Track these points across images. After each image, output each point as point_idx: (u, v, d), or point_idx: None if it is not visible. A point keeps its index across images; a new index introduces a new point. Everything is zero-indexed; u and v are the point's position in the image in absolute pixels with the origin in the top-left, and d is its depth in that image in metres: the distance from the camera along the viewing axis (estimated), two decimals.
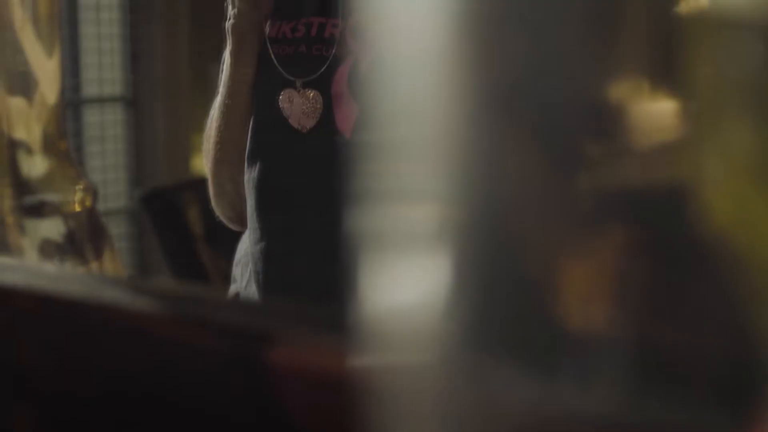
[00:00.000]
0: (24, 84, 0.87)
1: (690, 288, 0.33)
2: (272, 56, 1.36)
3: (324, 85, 1.31)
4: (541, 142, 0.33)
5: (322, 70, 1.32)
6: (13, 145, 0.87)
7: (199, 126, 4.56)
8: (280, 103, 1.37)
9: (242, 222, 1.49)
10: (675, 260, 0.33)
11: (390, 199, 0.35)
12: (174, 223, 3.26)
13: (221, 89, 1.41)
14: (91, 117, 4.30)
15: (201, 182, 4.06)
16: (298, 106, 1.37)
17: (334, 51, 1.32)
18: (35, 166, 0.87)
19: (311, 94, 1.34)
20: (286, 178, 1.39)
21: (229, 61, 1.36)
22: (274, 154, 1.39)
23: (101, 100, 4.33)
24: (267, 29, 1.37)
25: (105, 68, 4.30)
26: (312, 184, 1.37)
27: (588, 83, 0.33)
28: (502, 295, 0.34)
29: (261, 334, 0.55)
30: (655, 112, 0.33)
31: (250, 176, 1.43)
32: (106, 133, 4.28)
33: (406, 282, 0.36)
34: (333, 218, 1.36)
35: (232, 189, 1.45)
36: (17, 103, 0.87)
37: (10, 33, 0.86)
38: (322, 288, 1.33)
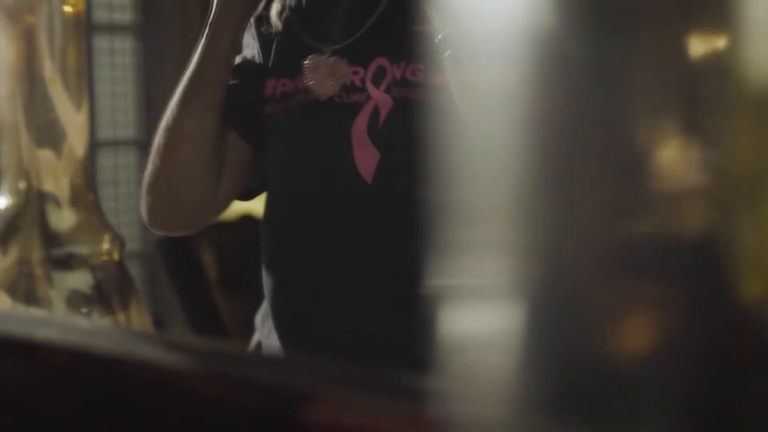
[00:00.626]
0: (52, 136, 0.88)
1: (732, 341, 0.33)
2: (294, 109, 1.37)
3: (345, 130, 1.32)
4: (594, 194, 0.34)
5: (344, 116, 1.33)
6: (42, 198, 0.88)
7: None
8: (302, 148, 1.38)
9: (179, 221, 1.45)
10: (712, 316, 0.33)
11: (460, 252, 0.36)
12: (188, 267, 3.26)
13: (192, 62, 1.39)
14: (105, 160, 4.31)
15: (215, 227, 4.06)
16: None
17: (355, 98, 1.33)
18: (63, 218, 0.88)
19: (334, 138, 1.35)
20: (307, 224, 1.39)
21: (208, 32, 1.34)
22: (295, 198, 1.39)
23: (115, 144, 4.35)
24: (277, 88, 1.38)
25: (118, 112, 4.32)
26: (334, 231, 1.36)
27: (637, 137, 0.34)
28: (563, 345, 0.34)
29: (297, 392, 0.55)
30: (694, 167, 0.34)
31: (268, 220, 1.43)
32: (119, 176, 4.29)
33: (474, 332, 0.36)
34: (356, 267, 1.36)
35: (187, 173, 1.39)
36: (46, 155, 0.88)
37: (40, 86, 0.87)
38: (347, 341, 1.32)
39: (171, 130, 1.37)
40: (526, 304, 0.35)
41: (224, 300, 3.19)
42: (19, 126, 0.87)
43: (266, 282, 1.41)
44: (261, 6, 1.42)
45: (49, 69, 0.87)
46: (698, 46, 0.33)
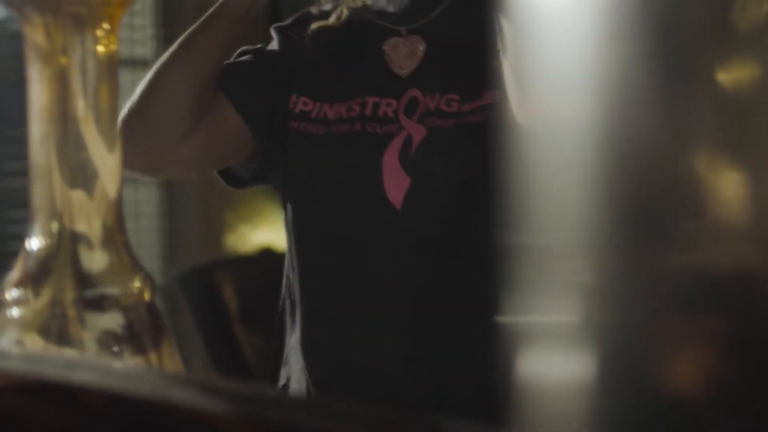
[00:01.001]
0: (85, 177, 0.88)
1: None
2: (324, 135, 1.38)
3: (377, 159, 1.33)
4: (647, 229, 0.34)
5: (375, 145, 1.34)
6: (75, 239, 0.88)
7: (233, 203, 4.61)
8: (331, 173, 1.39)
9: (143, 158, 1.45)
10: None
11: (536, 292, 0.36)
12: (210, 302, 3.27)
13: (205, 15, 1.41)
14: (126, 195, 4.33)
15: (236, 261, 4.10)
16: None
17: (387, 129, 1.34)
18: (95, 259, 0.88)
19: (364, 165, 1.36)
20: (336, 253, 1.39)
21: None
22: (323, 225, 1.40)
23: (135, 179, 4.37)
24: (314, 110, 1.39)
25: None
26: (364, 258, 1.36)
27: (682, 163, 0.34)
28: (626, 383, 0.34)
29: None
30: (744, 194, 0.34)
31: (292, 249, 1.43)
32: (140, 211, 4.30)
33: (549, 374, 0.36)
34: (386, 297, 1.36)
35: (161, 107, 1.39)
36: (78, 196, 0.88)
37: (73, 127, 0.88)
38: (383, 379, 1.32)
39: (161, 66, 1.39)
40: (592, 345, 0.35)
41: (245, 334, 3.19)
42: (52, 167, 0.88)
43: (295, 313, 1.41)
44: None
45: (82, 110, 0.87)
46: (752, 84, 0.33)
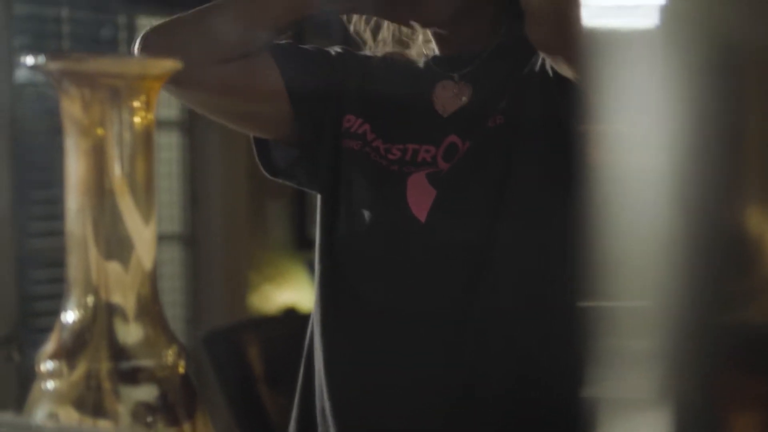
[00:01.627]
0: (120, 249, 0.88)
1: None
2: (360, 152, 1.39)
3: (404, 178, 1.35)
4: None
5: (401, 183, 1.35)
6: (110, 311, 0.88)
7: (257, 263, 4.60)
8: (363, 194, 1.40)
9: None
10: None
11: (614, 363, 0.35)
12: (234, 363, 3.26)
13: None
14: None
15: (260, 321, 4.08)
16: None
17: (425, 169, 1.36)
18: (130, 332, 0.88)
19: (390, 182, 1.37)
20: (366, 273, 1.38)
21: None
22: (351, 243, 1.39)
23: (160, 238, 4.37)
24: (371, 137, 1.40)
25: (164, 206, 4.35)
26: (393, 276, 1.36)
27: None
28: None
29: None
30: None
31: (320, 276, 1.42)
32: (163, 271, 4.30)
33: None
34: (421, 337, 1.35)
35: (211, 30, 1.40)
36: (114, 268, 0.88)
37: (109, 200, 0.88)
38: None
39: (224, 8, 1.42)
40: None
41: (269, 396, 3.17)
42: (88, 239, 0.88)
43: (316, 361, 1.40)
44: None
45: (118, 182, 0.87)
46: None
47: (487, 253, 1.33)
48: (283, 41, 1.47)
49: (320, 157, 1.46)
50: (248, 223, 4.50)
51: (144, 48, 1.39)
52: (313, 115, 1.46)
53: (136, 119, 0.88)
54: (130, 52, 4.41)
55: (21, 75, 3.90)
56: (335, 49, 1.52)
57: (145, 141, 0.88)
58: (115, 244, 0.86)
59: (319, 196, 1.47)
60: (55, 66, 0.85)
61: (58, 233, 3.79)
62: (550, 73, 1.28)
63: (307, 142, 1.47)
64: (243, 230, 4.49)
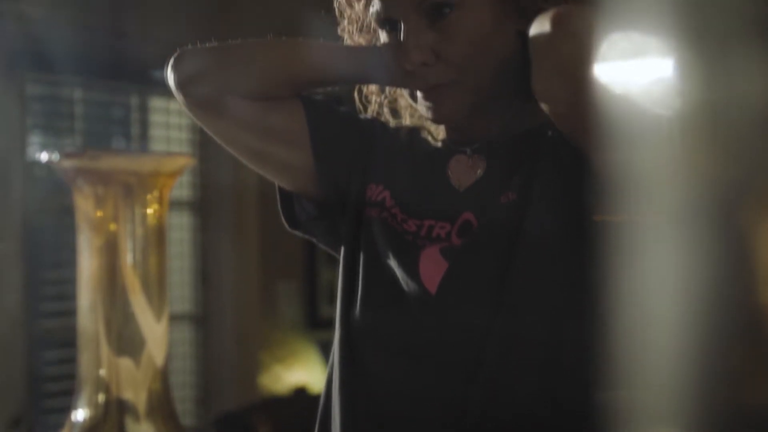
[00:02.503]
0: (132, 346, 0.88)
1: None
2: (378, 218, 1.40)
3: (417, 251, 1.35)
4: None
5: (415, 255, 1.35)
6: (121, 408, 0.87)
7: (267, 344, 4.59)
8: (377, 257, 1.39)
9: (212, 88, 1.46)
10: None
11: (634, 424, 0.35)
12: None
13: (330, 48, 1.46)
14: None
15: (271, 402, 4.06)
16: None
17: (438, 244, 1.36)
18: (141, 430, 0.87)
19: (404, 252, 1.37)
20: (375, 339, 1.37)
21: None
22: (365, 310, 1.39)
23: (171, 318, 4.36)
24: (390, 203, 1.41)
25: (175, 286, 4.35)
26: (403, 348, 1.35)
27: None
28: None
29: None
30: None
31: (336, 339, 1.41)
32: (174, 351, 4.29)
33: None
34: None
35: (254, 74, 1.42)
36: (125, 364, 0.88)
37: (121, 296, 0.87)
38: None
39: (268, 43, 1.44)
40: None
41: None
42: (100, 336, 0.87)
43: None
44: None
45: (130, 279, 0.87)
46: None
47: (495, 329, 1.32)
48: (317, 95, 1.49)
49: (342, 224, 1.47)
50: (259, 303, 4.49)
51: (177, 66, 1.41)
52: (338, 183, 1.47)
53: (150, 214, 0.88)
54: (143, 133, 4.42)
55: (33, 154, 3.92)
56: (365, 116, 1.53)
57: (158, 236, 0.88)
58: (126, 340, 0.86)
59: (341, 259, 1.47)
60: (69, 164, 0.85)
61: (69, 314, 3.78)
62: (565, 153, 1.28)
63: (329, 207, 1.48)
64: (254, 310, 4.48)
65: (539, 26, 1.26)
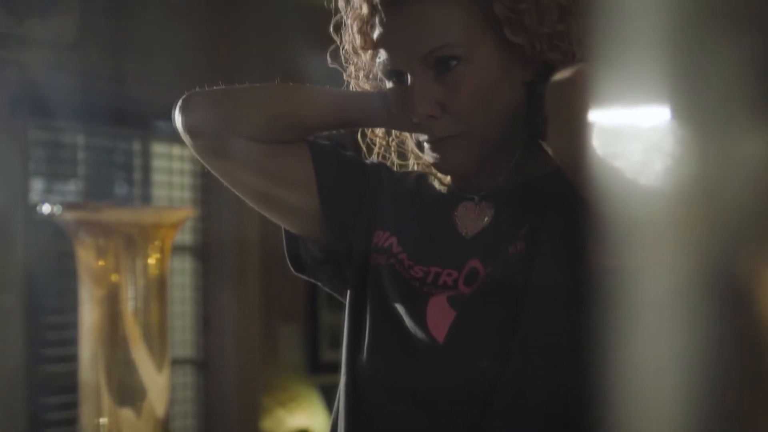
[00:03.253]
0: (133, 396, 0.88)
1: None
2: (385, 266, 1.39)
3: (425, 300, 1.34)
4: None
5: (423, 303, 1.35)
6: None
7: (269, 387, 4.58)
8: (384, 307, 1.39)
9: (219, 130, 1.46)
10: None
11: None
12: None
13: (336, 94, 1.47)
14: None
15: None
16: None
17: (446, 292, 1.35)
18: None
19: (412, 300, 1.37)
20: (382, 388, 1.37)
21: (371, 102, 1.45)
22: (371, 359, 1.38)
23: (173, 362, 4.35)
24: (396, 250, 1.41)
25: (177, 331, 4.34)
26: (409, 395, 1.34)
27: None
28: None
29: None
30: None
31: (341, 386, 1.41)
32: (176, 396, 4.28)
33: None
34: None
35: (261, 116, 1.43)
36: (126, 414, 0.88)
37: (123, 347, 0.88)
38: None
39: (283, 87, 1.46)
40: None
41: None
42: (101, 386, 0.87)
43: None
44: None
45: (131, 330, 0.87)
46: None
47: (502, 378, 1.32)
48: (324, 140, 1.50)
49: (347, 269, 1.47)
50: (260, 347, 4.48)
51: (184, 109, 1.42)
52: (344, 227, 1.47)
53: (151, 265, 0.88)
54: (145, 179, 4.42)
55: (35, 199, 3.93)
56: (372, 161, 1.53)
57: (159, 286, 0.89)
58: (128, 390, 0.86)
59: (346, 305, 1.47)
60: (71, 216, 0.85)
61: (70, 359, 3.77)
62: (573, 202, 1.29)
63: (334, 252, 1.48)
64: (255, 354, 4.47)
65: (557, 84, 1.26)
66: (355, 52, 1.45)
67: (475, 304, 1.36)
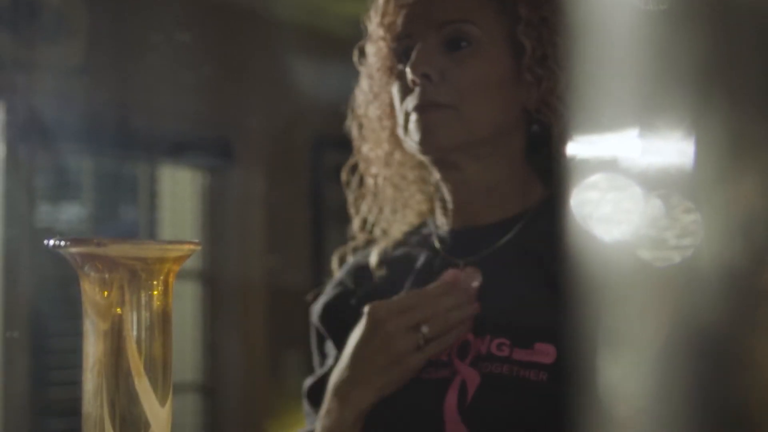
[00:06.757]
0: (136, 430, 0.88)
1: None
2: None
3: (438, 409, 1.31)
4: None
5: (434, 392, 1.33)
6: None
7: (275, 413, 4.55)
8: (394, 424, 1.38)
9: None
10: None
11: None
12: None
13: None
14: None
15: None
16: None
17: (442, 373, 1.34)
18: None
19: (427, 417, 1.34)
20: None
21: (332, 401, 1.46)
22: None
23: (178, 389, 4.35)
24: None
25: (182, 355, 4.34)
26: None
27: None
28: None
29: None
30: None
31: None
32: (177, 421, 4.27)
33: None
34: None
35: None
36: None
37: (126, 381, 0.88)
38: None
39: None
40: None
41: None
42: (104, 420, 0.88)
43: None
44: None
45: (135, 363, 0.88)
46: None
47: None
48: None
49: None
50: (266, 373, 4.48)
51: None
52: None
53: (155, 299, 0.89)
54: (151, 203, 4.42)
55: (40, 223, 3.94)
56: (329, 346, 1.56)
57: (163, 320, 0.89)
58: (130, 424, 0.86)
59: None
60: (76, 250, 0.86)
61: (74, 383, 3.76)
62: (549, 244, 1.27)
63: None
64: (261, 379, 4.47)
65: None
66: (374, 41, 1.45)
67: (485, 422, 1.35)
